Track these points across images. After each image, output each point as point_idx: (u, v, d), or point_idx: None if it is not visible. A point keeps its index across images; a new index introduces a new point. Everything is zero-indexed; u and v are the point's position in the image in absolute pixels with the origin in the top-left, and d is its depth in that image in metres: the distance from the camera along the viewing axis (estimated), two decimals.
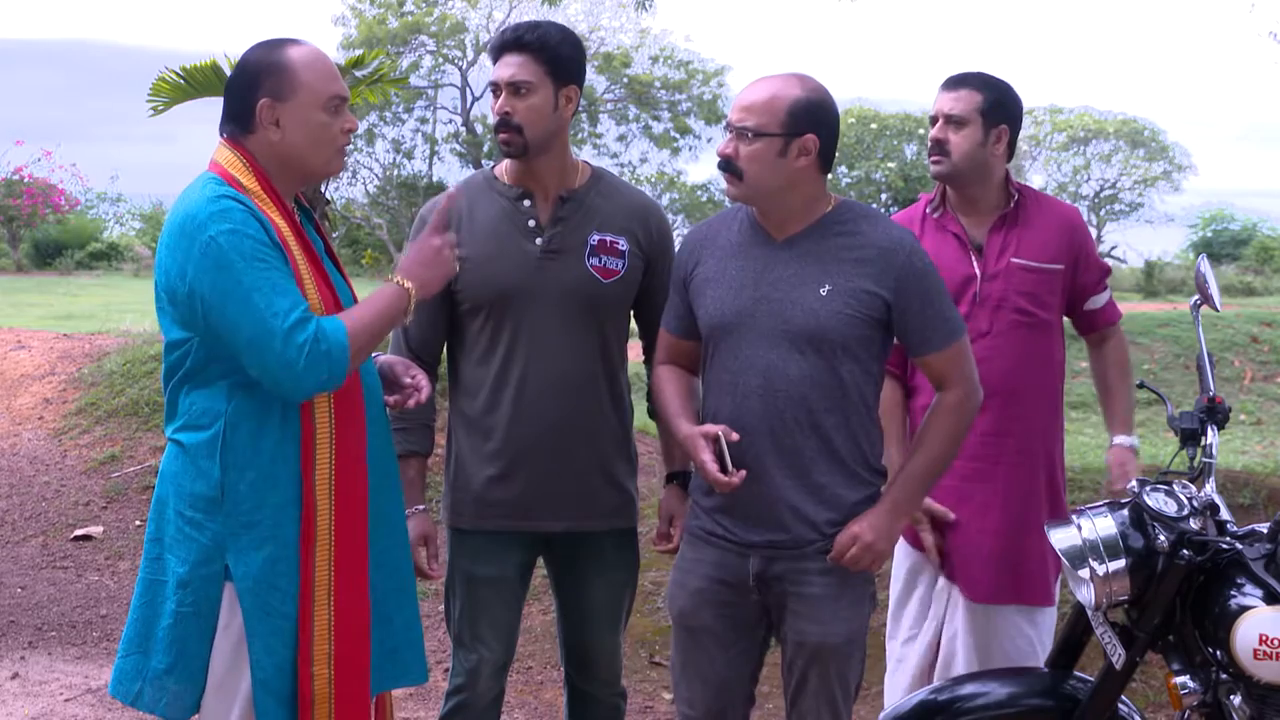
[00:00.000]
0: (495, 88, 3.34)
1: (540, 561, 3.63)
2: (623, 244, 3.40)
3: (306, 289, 2.85)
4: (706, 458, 3.05)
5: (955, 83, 3.72)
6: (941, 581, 3.76)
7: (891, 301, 3.09)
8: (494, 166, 3.50)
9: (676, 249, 3.38)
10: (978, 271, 3.69)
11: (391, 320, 2.92)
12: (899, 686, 3.87)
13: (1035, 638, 3.69)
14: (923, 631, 3.82)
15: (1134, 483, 3.04)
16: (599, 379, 3.43)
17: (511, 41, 3.31)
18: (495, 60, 3.35)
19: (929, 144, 3.76)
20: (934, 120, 3.73)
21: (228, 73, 7.21)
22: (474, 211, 3.41)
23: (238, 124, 2.92)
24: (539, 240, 3.36)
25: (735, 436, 3.05)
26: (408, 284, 2.92)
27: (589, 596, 3.55)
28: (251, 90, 2.89)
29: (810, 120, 3.07)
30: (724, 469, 3.04)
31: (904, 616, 3.88)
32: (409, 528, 3.26)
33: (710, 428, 3.07)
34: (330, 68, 2.97)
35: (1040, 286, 3.67)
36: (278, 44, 2.95)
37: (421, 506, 3.44)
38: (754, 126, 3.06)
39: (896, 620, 3.90)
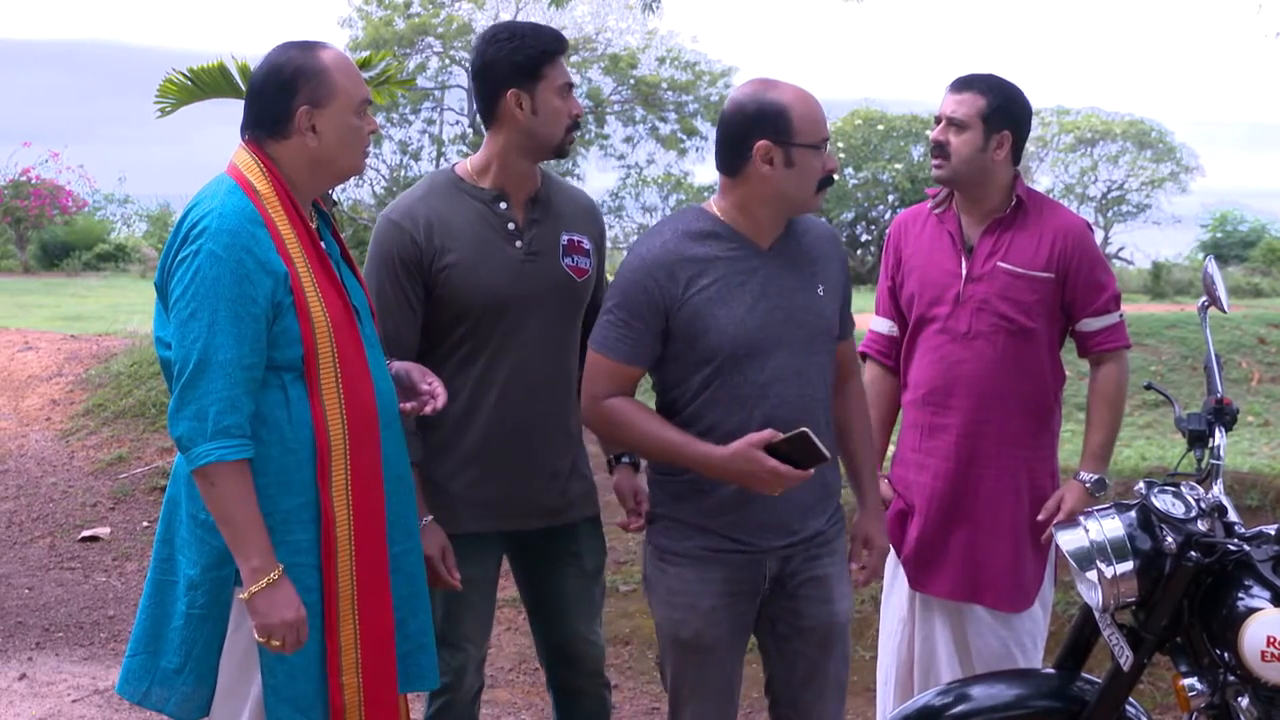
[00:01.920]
0: (570, 88, 3.37)
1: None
2: (586, 243, 3.49)
3: (308, 297, 2.84)
4: (774, 464, 2.94)
5: (960, 85, 3.72)
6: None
7: (845, 289, 3.29)
8: (455, 166, 3.49)
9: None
10: (964, 272, 3.69)
11: (229, 530, 2.77)
12: (880, 682, 3.96)
13: (1010, 640, 3.72)
14: (898, 629, 3.88)
15: (1142, 484, 3.04)
16: (571, 376, 3.47)
17: (563, 46, 3.37)
18: (550, 61, 3.33)
19: (930, 145, 3.76)
20: (938, 121, 3.73)
21: (234, 74, 7.30)
22: (450, 217, 3.36)
23: (270, 128, 2.92)
24: (519, 243, 3.38)
25: (779, 435, 2.97)
26: (258, 585, 2.76)
27: (566, 590, 3.58)
28: (289, 95, 2.89)
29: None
30: (804, 465, 2.97)
31: (886, 613, 3.94)
32: (425, 540, 3.23)
33: (756, 436, 2.97)
34: (357, 71, 3.00)
35: (1026, 293, 3.65)
36: (310, 47, 2.94)
37: (430, 517, 3.39)
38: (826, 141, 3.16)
39: (883, 617, 3.98)
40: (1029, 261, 3.66)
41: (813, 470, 2.99)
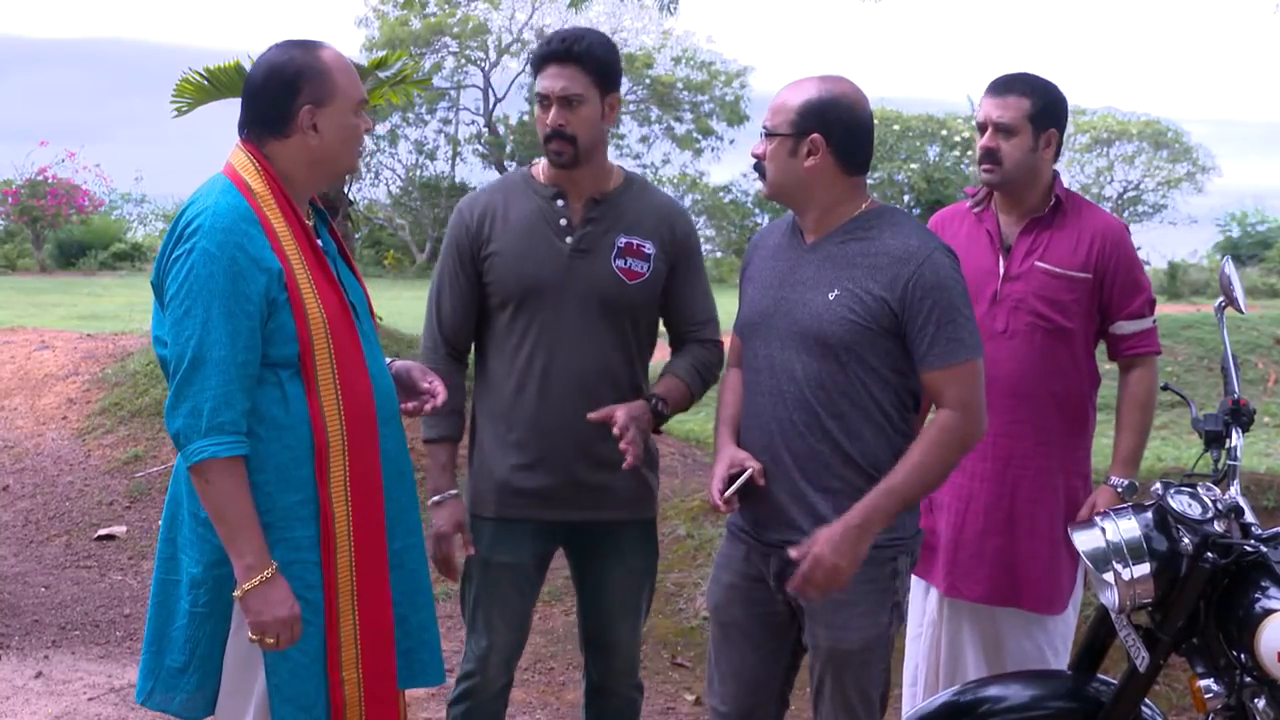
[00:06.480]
0: (543, 99, 3.37)
1: (562, 557, 3.68)
2: (649, 248, 3.46)
3: (303, 294, 2.84)
4: (717, 478, 3.16)
5: (1002, 88, 3.69)
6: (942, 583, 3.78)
7: (899, 311, 3.03)
8: (531, 166, 3.56)
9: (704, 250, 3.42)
10: (1001, 270, 3.68)
11: (223, 527, 2.77)
12: (907, 683, 3.94)
13: (1045, 643, 3.70)
14: (927, 630, 3.86)
15: (1158, 485, 3.03)
16: (619, 375, 3.47)
17: (560, 52, 3.34)
18: (539, 70, 3.37)
19: (979, 152, 3.73)
20: (982, 128, 3.70)
21: None
22: (509, 209, 3.48)
23: (271, 127, 2.93)
24: (569, 239, 3.43)
25: (761, 482, 3.12)
26: (251, 583, 2.76)
27: (609, 588, 3.61)
28: (291, 95, 2.90)
29: (817, 120, 3.08)
30: (724, 492, 3.13)
31: (913, 613, 3.91)
32: (441, 515, 3.34)
33: (740, 455, 3.16)
34: (355, 71, 3.01)
35: (1063, 293, 3.64)
36: (309, 46, 2.95)
37: (453, 491, 3.49)
38: (770, 127, 3.13)
39: (909, 618, 3.94)
40: (1067, 261, 3.64)
41: (720, 500, 3.11)
